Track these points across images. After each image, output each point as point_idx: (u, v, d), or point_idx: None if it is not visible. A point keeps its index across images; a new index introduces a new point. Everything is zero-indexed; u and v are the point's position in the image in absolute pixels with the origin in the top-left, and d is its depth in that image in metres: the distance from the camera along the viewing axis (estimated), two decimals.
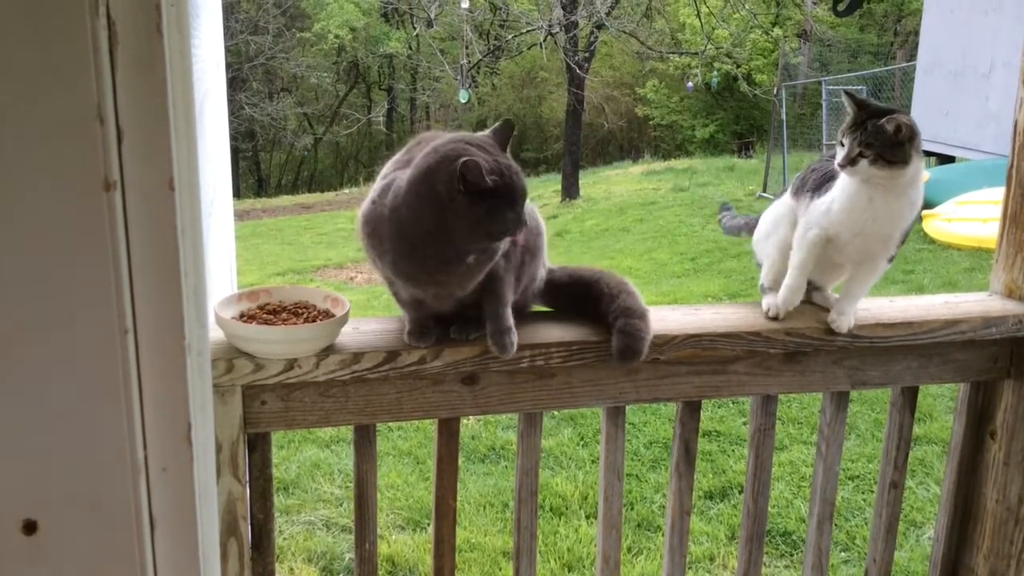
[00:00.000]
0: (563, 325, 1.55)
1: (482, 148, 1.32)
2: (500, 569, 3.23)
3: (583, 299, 1.55)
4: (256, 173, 25.28)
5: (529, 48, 18.85)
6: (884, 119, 1.45)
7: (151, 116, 0.85)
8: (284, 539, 3.41)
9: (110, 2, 0.82)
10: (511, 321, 1.45)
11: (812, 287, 1.70)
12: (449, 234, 1.30)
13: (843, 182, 1.53)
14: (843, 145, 1.50)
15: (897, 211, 1.52)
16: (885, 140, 1.45)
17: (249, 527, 1.48)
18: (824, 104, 13.80)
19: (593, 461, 4.08)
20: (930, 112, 11.91)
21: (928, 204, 8.89)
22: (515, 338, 1.44)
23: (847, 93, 1.54)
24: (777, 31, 18.54)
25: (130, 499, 0.91)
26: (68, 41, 0.81)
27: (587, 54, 15.38)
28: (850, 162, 1.48)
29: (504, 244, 1.38)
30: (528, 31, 16.49)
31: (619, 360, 1.47)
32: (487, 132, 1.40)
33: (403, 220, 1.32)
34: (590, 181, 15.96)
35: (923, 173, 1.52)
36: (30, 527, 0.91)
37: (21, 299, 0.85)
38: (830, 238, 1.56)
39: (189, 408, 0.92)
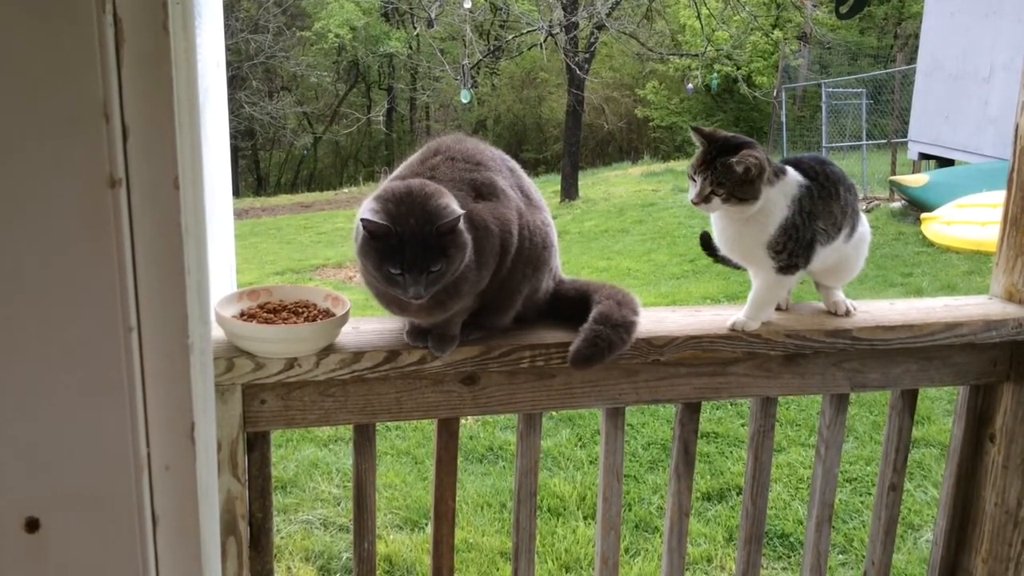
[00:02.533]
0: (563, 327, 1.54)
1: (435, 194, 1.29)
2: (498, 569, 3.23)
3: (585, 311, 1.52)
4: (255, 172, 25.27)
5: (529, 49, 18.84)
6: (733, 159, 1.47)
7: (156, 113, 0.85)
8: (282, 538, 3.41)
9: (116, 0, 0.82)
10: (456, 331, 1.45)
11: (820, 287, 1.71)
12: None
13: None
14: (695, 182, 1.52)
15: (748, 234, 1.55)
16: (735, 180, 1.47)
17: (248, 526, 1.48)
18: (824, 107, 13.80)
19: (591, 462, 4.08)
20: (930, 115, 11.93)
21: (928, 207, 8.91)
22: (454, 346, 1.44)
23: (694, 128, 1.55)
24: (777, 33, 18.53)
25: (132, 497, 0.91)
26: (74, 38, 0.81)
27: (587, 55, 15.37)
28: (703, 199, 1.51)
29: (470, 287, 1.37)
30: (528, 31, 16.47)
31: (570, 363, 1.44)
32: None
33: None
34: (589, 182, 15.96)
35: (784, 185, 1.53)
36: (33, 525, 0.91)
37: (25, 296, 0.85)
38: None
39: (192, 406, 0.92)
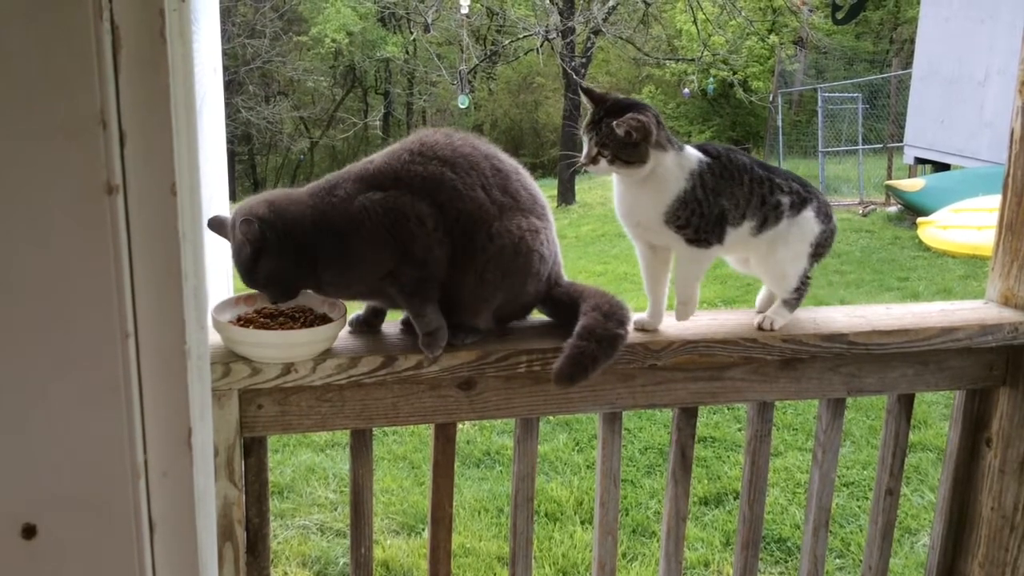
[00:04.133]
0: (560, 331, 1.54)
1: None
2: (495, 574, 3.23)
3: (576, 317, 1.51)
4: (252, 176, 25.21)
5: (526, 53, 18.84)
6: (616, 121, 1.45)
7: (154, 120, 0.85)
8: (279, 543, 3.40)
9: (114, 7, 0.82)
10: (434, 325, 1.43)
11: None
12: None
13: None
14: (584, 143, 1.51)
15: (645, 200, 1.53)
16: (618, 142, 1.46)
17: (244, 531, 1.48)
18: (820, 111, 13.81)
19: (588, 466, 4.08)
20: (926, 120, 11.96)
21: (924, 211, 8.94)
22: (442, 339, 1.44)
23: (583, 88, 1.54)
24: (773, 38, 18.56)
25: (130, 503, 0.91)
26: (71, 45, 0.81)
27: (584, 60, 15.38)
28: (591, 160, 1.50)
29: (343, 268, 1.44)
30: (525, 36, 16.50)
31: (553, 381, 1.43)
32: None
33: None
34: (586, 187, 15.96)
35: (681, 157, 1.51)
36: (29, 531, 0.90)
37: (22, 302, 0.85)
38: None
39: (190, 412, 0.92)
